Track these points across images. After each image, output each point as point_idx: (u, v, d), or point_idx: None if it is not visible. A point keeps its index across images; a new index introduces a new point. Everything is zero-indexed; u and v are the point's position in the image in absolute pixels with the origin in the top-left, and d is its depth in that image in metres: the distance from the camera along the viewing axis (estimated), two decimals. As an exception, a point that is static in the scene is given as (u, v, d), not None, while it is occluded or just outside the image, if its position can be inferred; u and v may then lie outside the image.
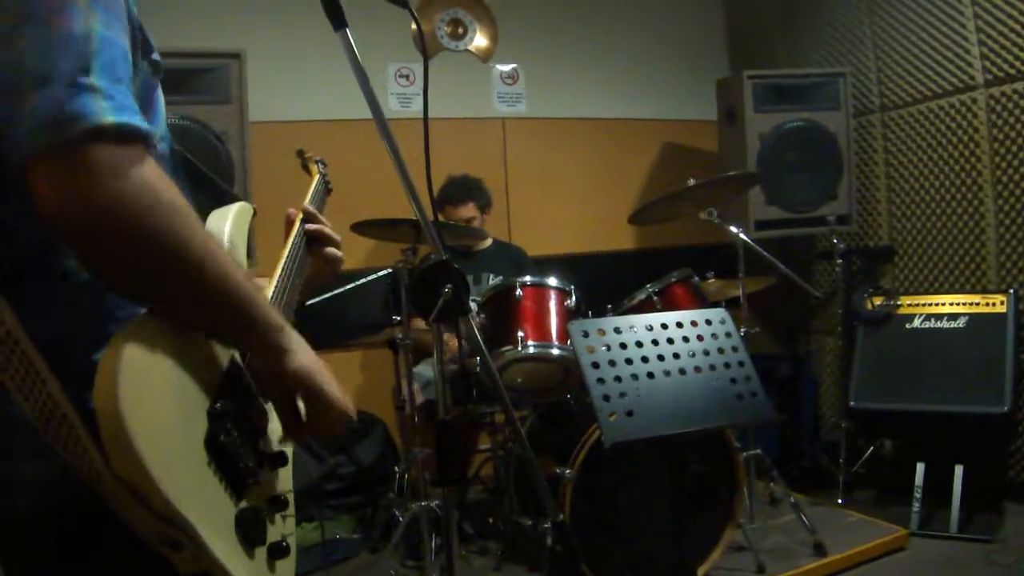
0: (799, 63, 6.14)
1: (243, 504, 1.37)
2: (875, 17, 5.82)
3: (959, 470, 4.63)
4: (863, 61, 5.91)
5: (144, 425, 1.13)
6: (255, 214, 1.91)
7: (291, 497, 1.59)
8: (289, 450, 1.63)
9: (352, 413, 1.60)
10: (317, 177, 2.38)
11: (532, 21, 6.25)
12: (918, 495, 4.69)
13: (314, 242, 1.93)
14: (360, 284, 4.48)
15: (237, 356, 1.49)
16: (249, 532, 1.36)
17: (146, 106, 1.43)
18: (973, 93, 5.23)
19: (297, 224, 1.91)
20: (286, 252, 1.82)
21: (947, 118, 5.39)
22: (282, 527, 1.53)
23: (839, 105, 5.76)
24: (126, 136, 1.16)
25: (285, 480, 1.61)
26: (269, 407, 1.57)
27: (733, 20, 7.01)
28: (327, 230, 1.95)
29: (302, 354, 1.49)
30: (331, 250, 1.96)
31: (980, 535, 4.52)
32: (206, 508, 1.23)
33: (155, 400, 1.20)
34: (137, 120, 1.18)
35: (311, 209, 1.96)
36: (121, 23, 1.26)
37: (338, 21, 1.90)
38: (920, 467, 4.74)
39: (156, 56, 1.47)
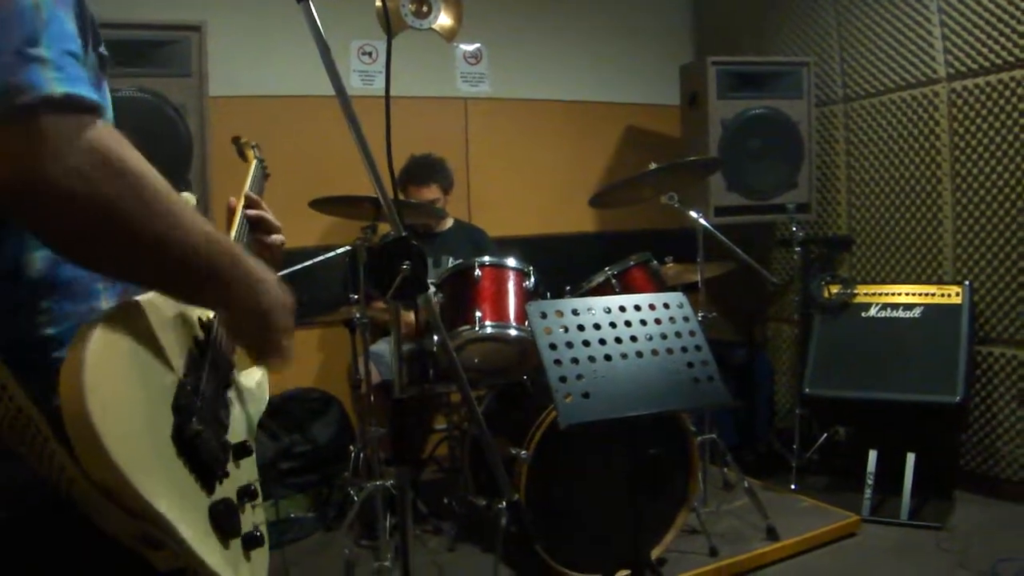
0: (764, 51, 6.15)
1: (215, 496, 1.36)
2: (841, 8, 5.84)
3: (911, 458, 4.68)
4: (827, 51, 5.93)
5: (113, 423, 1.11)
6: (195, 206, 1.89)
7: (259, 487, 1.58)
8: (252, 440, 1.62)
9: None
10: (255, 163, 2.36)
11: (497, 1, 6.22)
12: (870, 482, 4.74)
13: (256, 228, 1.92)
14: (318, 261, 4.45)
15: (198, 337, 1.48)
16: (224, 524, 1.35)
17: None
18: (935, 87, 5.27)
19: (239, 211, 1.90)
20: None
21: (909, 111, 5.43)
22: (253, 517, 1.53)
23: (802, 94, 5.77)
24: (75, 106, 1.13)
25: (250, 470, 1.61)
26: (231, 397, 1.56)
27: (700, 6, 7.01)
28: (268, 216, 1.94)
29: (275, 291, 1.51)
30: (274, 236, 1.95)
31: (931, 522, 4.58)
32: (180, 502, 1.22)
33: (122, 397, 1.18)
34: (85, 90, 1.16)
35: (252, 195, 1.95)
36: (70, 5, 1.24)
37: None
38: (872, 454, 4.78)
39: (103, 50, 1.44)
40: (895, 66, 5.49)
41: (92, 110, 1.16)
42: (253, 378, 1.83)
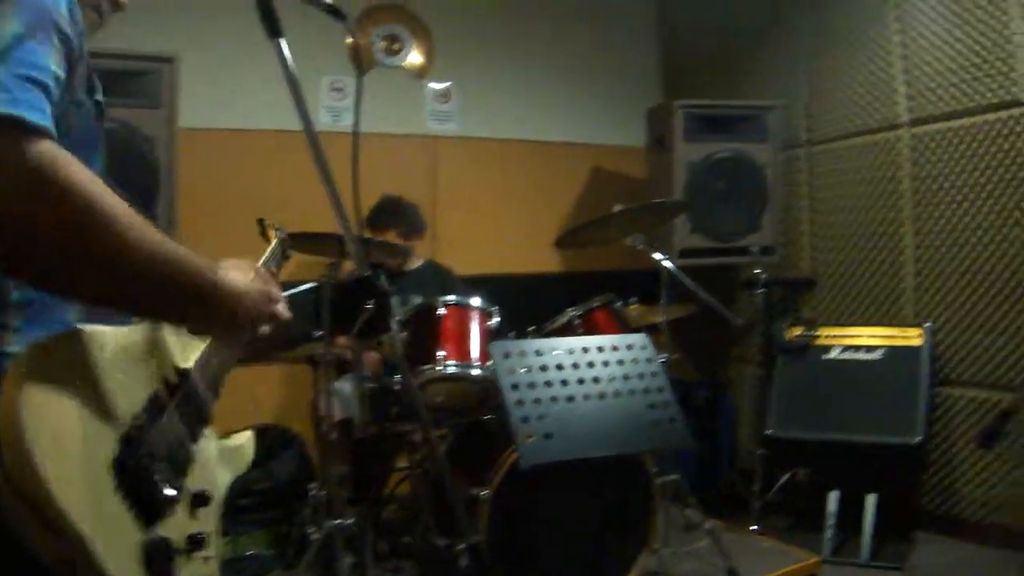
0: (731, 94, 6.20)
1: (153, 534, 1.35)
2: (806, 53, 5.93)
3: (871, 499, 4.71)
4: (792, 95, 6.00)
5: (45, 436, 1.12)
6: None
7: (213, 539, 1.57)
8: (217, 492, 1.61)
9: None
10: (275, 242, 2.38)
11: (468, 41, 6.26)
12: (831, 522, 4.76)
13: None
14: (283, 297, 4.43)
15: (167, 382, 1.49)
16: (156, 562, 1.33)
17: (90, 147, 1.42)
18: (897, 131, 5.35)
19: None
20: None
21: (871, 155, 5.50)
22: (201, 568, 1.51)
23: (767, 137, 5.83)
24: (15, 126, 1.14)
25: (208, 521, 1.59)
26: (201, 447, 1.56)
27: (668, 48, 7.08)
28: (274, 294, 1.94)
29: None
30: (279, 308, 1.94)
31: (890, 563, 4.61)
32: (106, 529, 1.21)
33: (58, 414, 1.18)
34: (31, 114, 1.16)
35: (264, 269, 1.95)
36: (51, 41, 1.26)
37: (273, 30, 1.90)
38: (833, 495, 4.81)
39: (100, 97, 1.45)
40: (858, 111, 5.57)
41: (36, 131, 1.16)
42: (239, 439, 1.83)
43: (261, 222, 2.75)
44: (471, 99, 6.28)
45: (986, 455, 4.87)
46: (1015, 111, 4.78)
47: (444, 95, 6.22)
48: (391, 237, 5.17)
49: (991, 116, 4.88)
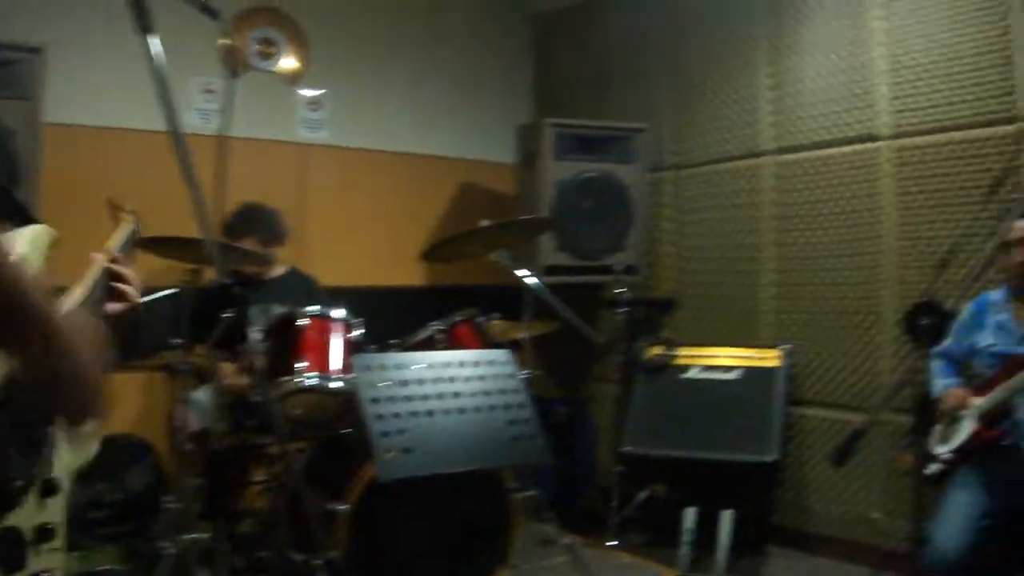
0: (602, 115, 6.26)
1: (5, 522, 1.32)
2: (676, 79, 6.05)
3: (727, 515, 4.80)
4: (661, 120, 6.11)
5: None
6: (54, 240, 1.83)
7: (61, 530, 1.53)
8: (65, 481, 1.57)
9: None
10: (127, 226, 2.32)
11: (343, 49, 6.20)
12: (687, 538, 4.83)
13: (115, 282, 1.88)
14: (142, 303, 4.33)
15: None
16: (5, 553, 1.30)
17: None
18: (761, 159, 5.50)
19: (97, 264, 1.86)
20: (81, 290, 1.76)
21: (735, 181, 5.65)
22: (47, 560, 1.47)
23: (635, 159, 5.91)
24: None
25: (54, 511, 1.55)
26: (56, 433, 1.52)
27: (541, 67, 7.14)
28: (126, 272, 1.90)
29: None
30: (129, 290, 1.90)
31: (745, 576, 4.70)
32: None
33: None
34: None
35: (116, 253, 1.91)
36: None
37: (144, 25, 1.86)
38: (690, 511, 4.89)
39: None
40: (725, 137, 5.71)
41: None
42: (87, 425, 1.78)
43: (111, 202, 2.65)
44: (344, 108, 6.22)
45: (836, 473, 5.02)
46: (874, 144, 4.98)
47: (316, 103, 6.15)
48: (249, 244, 5.07)
49: (851, 148, 5.08)
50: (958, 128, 4.67)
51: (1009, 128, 4.49)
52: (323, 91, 6.14)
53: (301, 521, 4.14)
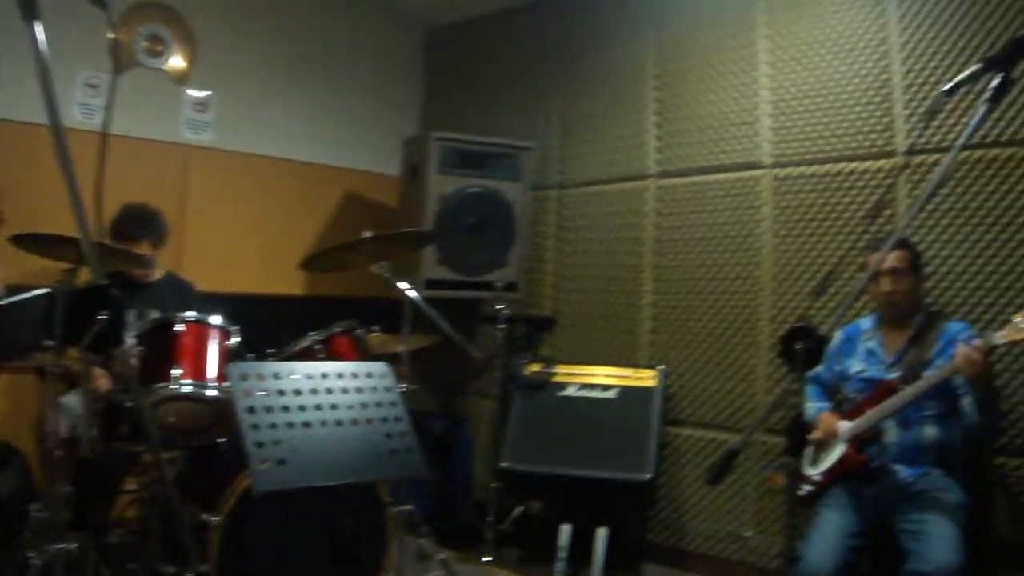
0: (489, 131, 6.26)
1: None
2: (564, 99, 6.12)
3: (602, 532, 4.85)
4: (548, 138, 6.17)
5: None
6: None
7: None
8: None
9: None
10: None
11: (232, 52, 6.09)
12: (562, 555, 4.87)
13: None
14: (13, 302, 4.19)
15: None
16: None
17: None
18: (645, 182, 5.59)
19: None
20: None
21: (618, 202, 5.73)
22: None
23: (520, 177, 5.94)
24: None
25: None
26: None
27: (431, 80, 7.13)
28: None
29: None
30: None
31: (620, 593, 4.75)
32: None
33: None
34: None
35: None
36: None
37: (29, 11, 1.78)
38: (565, 528, 4.92)
39: None
40: (610, 160, 5.79)
41: None
42: None
43: None
44: (230, 111, 6.11)
45: (709, 492, 5.12)
46: (756, 172, 5.12)
47: (203, 104, 6.03)
48: (144, 248, 4.94)
49: (733, 175, 5.21)
50: (837, 160, 4.83)
51: (886, 162, 4.66)
52: (210, 93, 6.03)
53: (173, 532, 4.06)
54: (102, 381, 4.14)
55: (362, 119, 6.74)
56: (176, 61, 5.86)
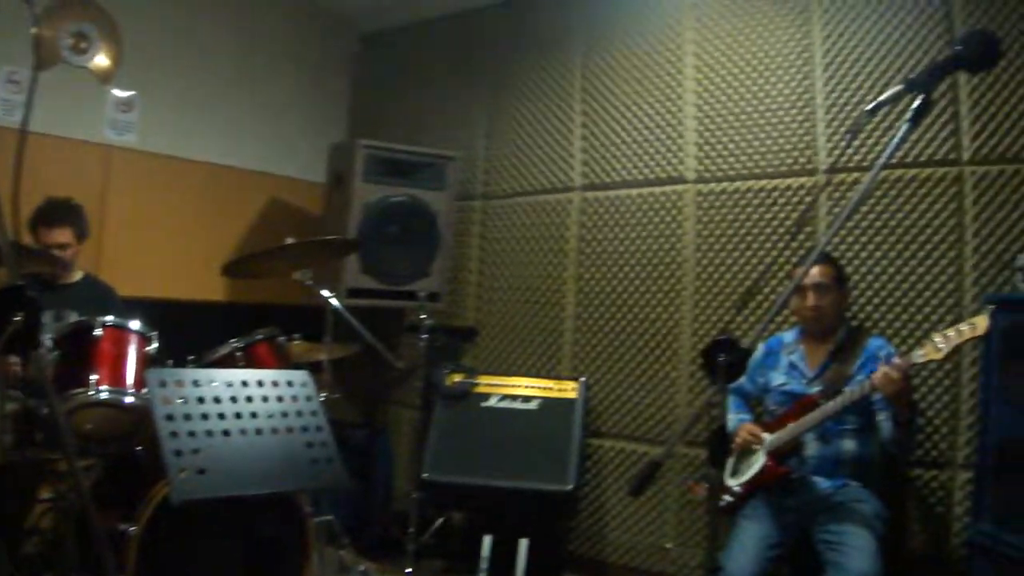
0: (416, 140, 6.24)
1: None
2: (491, 110, 6.13)
3: (524, 543, 4.86)
4: (474, 149, 6.17)
5: None
6: None
7: None
8: None
9: None
10: None
11: (160, 52, 5.99)
12: (484, 566, 4.86)
13: None
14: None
15: None
16: None
17: None
18: (570, 194, 5.62)
19: None
20: None
21: (543, 214, 5.75)
22: None
23: (445, 186, 5.92)
24: None
25: None
26: None
27: (358, 88, 7.09)
28: None
29: None
30: None
31: (541, 605, 4.76)
32: None
33: None
34: None
35: None
36: None
37: None
38: (487, 539, 4.91)
39: None
40: (535, 171, 5.82)
41: None
42: None
43: None
44: (155, 113, 6.01)
45: (631, 503, 5.16)
46: (679, 187, 5.18)
47: (127, 104, 5.92)
48: (66, 235, 4.84)
49: (657, 189, 5.26)
50: (759, 177, 4.91)
51: (808, 180, 4.75)
52: (134, 93, 5.93)
53: (89, 542, 3.97)
54: (15, 369, 4.04)
55: (288, 125, 6.68)
56: (101, 59, 5.73)
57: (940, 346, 3.51)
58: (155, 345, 4.13)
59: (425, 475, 5.10)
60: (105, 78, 5.63)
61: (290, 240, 4.37)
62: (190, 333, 4.52)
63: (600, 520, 5.36)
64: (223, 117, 6.37)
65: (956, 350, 3.53)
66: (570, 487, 4.89)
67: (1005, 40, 4.06)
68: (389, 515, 5.83)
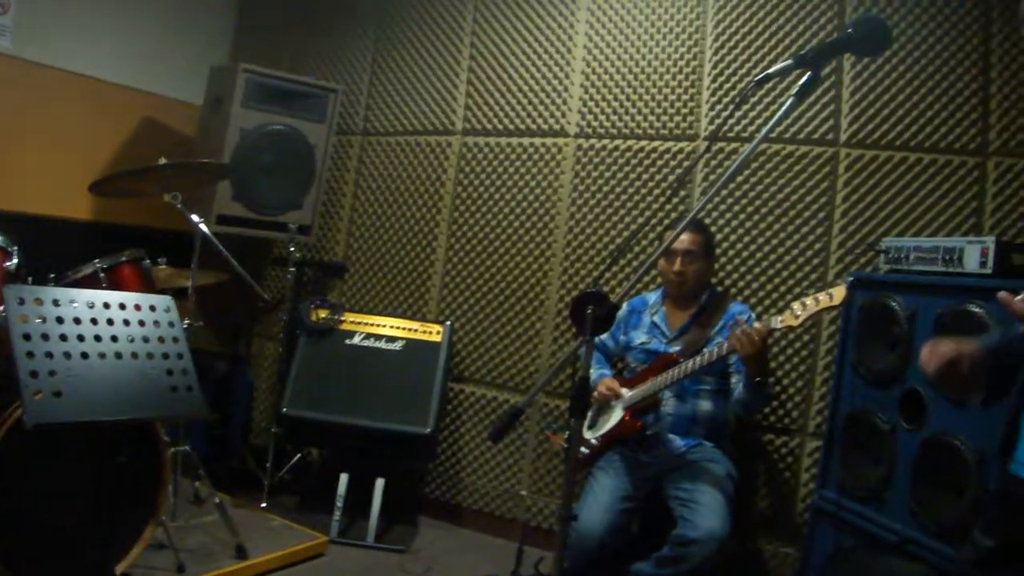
0: (300, 69, 6.12)
1: None
2: (378, 45, 6.02)
3: (380, 483, 4.90)
4: (358, 83, 6.07)
5: None
6: None
7: None
8: None
9: None
10: None
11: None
12: (340, 504, 4.88)
13: None
14: None
15: None
16: None
17: None
18: (450, 138, 5.59)
19: None
20: None
21: (422, 155, 5.71)
22: None
23: (325, 119, 5.82)
24: None
25: None
26: None
27: (245, 11, 6.88)
28: None
29: None
30: None
31: (395, 545, 4.84)
32: None
33: None
34: None
35: None
36: None
37: None
38: (344, 477, 4.93)
39: None
40: (417, 111, 5.76)
41: None
42: None
43: None
44: (32, 18, 5.74)
45: (488, 449, 5.24)
46: (560, 140, 5.21)
47: (3, 5, 5.65)
48: None
49: (538, 140, 5.28)
50: (639, 137, 4.99)
51: (687, 144, 4.84)
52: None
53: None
54: None
55: (170, 43, 6.43)
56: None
57: (797, 313, 3.64)
58: (15, 261, 3.97)
59: (284, 410, 5.06)
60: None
61: (163, 161, 4.26)
62: (53, 251, 4.39)
63: (457, 464, 5.41)
64: (103, 29, 6.11)
65: (812, 317, 3.66)
66: (429, 430, 4.92)
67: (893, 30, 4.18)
68: (246, 448, 5.78)
